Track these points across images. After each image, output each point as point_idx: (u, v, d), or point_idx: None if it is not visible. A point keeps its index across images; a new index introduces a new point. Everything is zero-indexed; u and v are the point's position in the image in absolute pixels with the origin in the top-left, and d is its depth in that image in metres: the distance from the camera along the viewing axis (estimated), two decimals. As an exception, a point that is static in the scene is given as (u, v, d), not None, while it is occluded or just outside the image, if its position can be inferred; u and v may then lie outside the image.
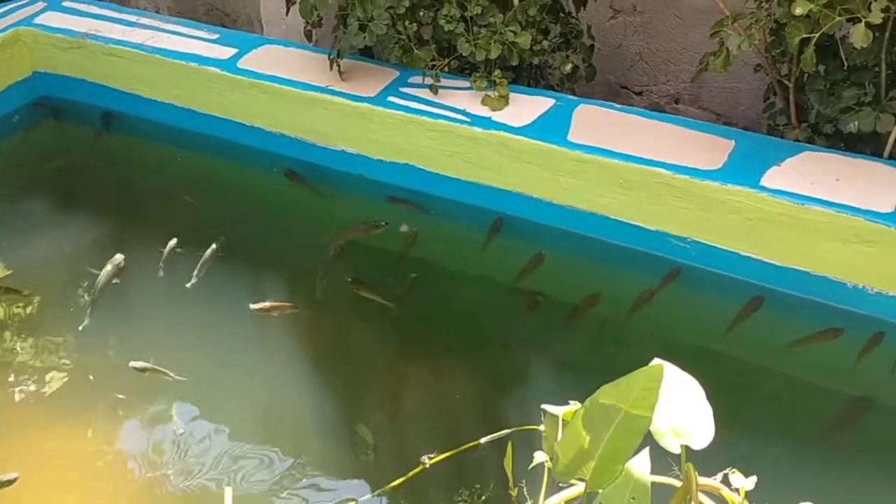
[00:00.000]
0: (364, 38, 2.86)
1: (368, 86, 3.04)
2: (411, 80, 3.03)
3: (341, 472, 2.20)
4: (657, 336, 2.55)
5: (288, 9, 3.05)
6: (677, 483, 1.61)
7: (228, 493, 2.12)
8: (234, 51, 3.34)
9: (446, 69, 3.01)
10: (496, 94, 2.87)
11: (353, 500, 2.08)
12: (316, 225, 3.04)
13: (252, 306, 2.63)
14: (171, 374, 2.44)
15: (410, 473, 2.12)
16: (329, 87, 3.06)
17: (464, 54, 2.87)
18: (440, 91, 2.95)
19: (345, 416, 2.42)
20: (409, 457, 2.18)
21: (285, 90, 3.11)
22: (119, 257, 2.80)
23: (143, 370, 2.46)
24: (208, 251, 2.82)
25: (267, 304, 2.64)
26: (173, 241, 2.86)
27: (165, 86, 3.40)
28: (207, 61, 3.29)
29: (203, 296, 2.73)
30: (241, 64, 3.25)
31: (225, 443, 2.29)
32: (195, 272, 2.77)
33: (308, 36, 3.17)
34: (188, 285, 2.74)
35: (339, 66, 3.05)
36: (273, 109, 3.19)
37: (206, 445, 2.29)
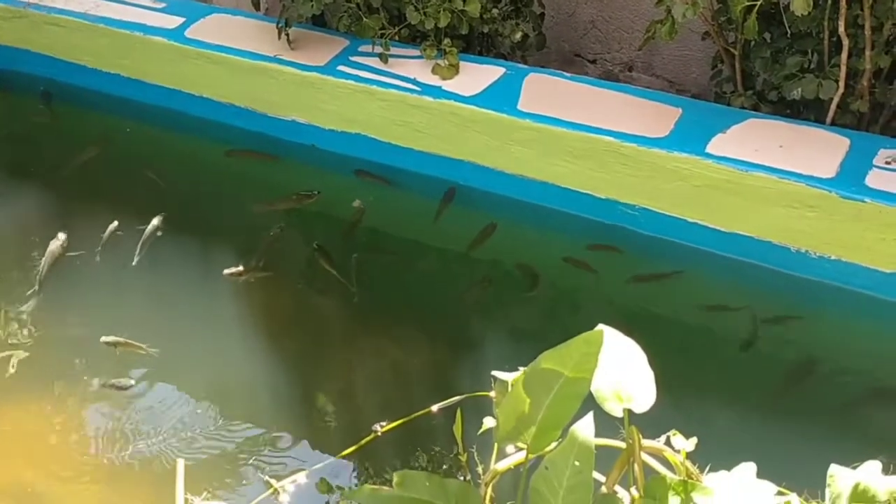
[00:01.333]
0: (312, 6, 2.82)
1: (318, 55, 3.01)
2: (361, 48, 3.00)
3: (294, 442, 2.21)
4: (608, 303, 2.58)
5: (235, -23, 3.01)
6: (622, 445, 1.64)
7: (181, 464, 2.13)
8: (181, 20, 3.28)
9: (396, 38, 2.98)
10: (446, 62, 2.86)
11: (302, 469, 2.09)
12: (264, 196, 3.00)
13: (225, 271, 2.63)
14: (144, 348, 2.43)
15: (362, 441, 2.14)
16: (278, 57, 3.03)
17: (413, 23, 2.85)
18: (391, 60, 2.93)
19: (299, 386, 2.43)
20: (362, 425, 2.20)
21: (233, 59, 3.07)
22: (62, 236, 2.75)
23: (114, 344, 2.44)
24: (149, 227, 2.79)
25: (236, 269, 2.64)
26: (114, 224, 2.81)
27: (111, 56, 3.33)
28: (154, 31, 3.23)
29: (149, 270, 2.71)
30: (188, 33, 3.20)
31: (178, 414, 2.29)
32: (137, 250, 2.74)
33: (256, 4, 3.13)
34: (133, 262, 2.71)
35: (287, 34, 3.02)
36: (221, 79, 3.15)
37: (161, 417, 2.28)
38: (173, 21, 3.27)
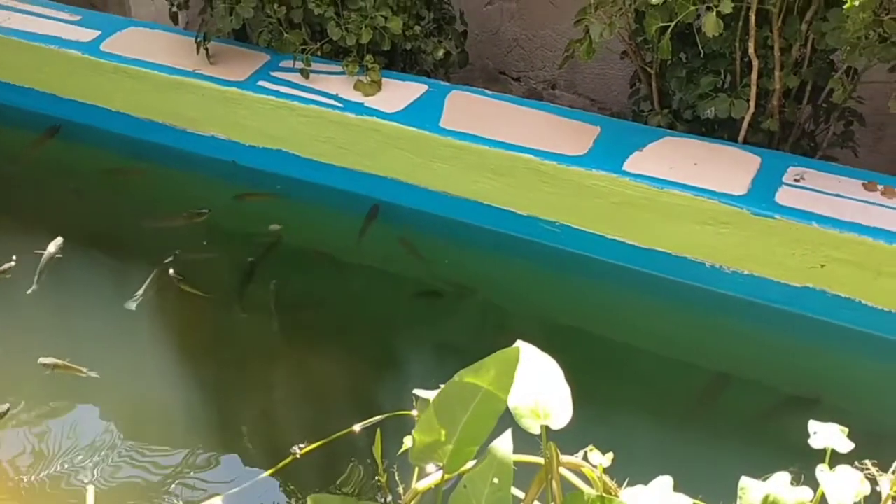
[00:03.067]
0: (231, 20, 2.79)
1: (238, 70, 2.97)
2: (282, 64, 2.97)
3: (211, 465, 2.15)
4: (535, 319, 2.60)
5: (152, -10, 2.96)
6: (541, 461, 1.65)
7: (90, 491, 2.06)
8: (96, 33, 3.20)
9: (319, 53, 2.96)
10: (368, 79, 2.85)
11: (218, 493, 2.04)
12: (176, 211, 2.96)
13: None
14: (84, 370, 2.36)
15: (280, 464, 2.10)
16: (197, 72, 2.98)
17: (334, 38, 2.83)
18: (312, 76, 2.91)
19: (217, 410, 2.37)
20: (283, 447, 2.16)
21: (151, 74, 3.01)
22: None
23: (51, 367, 2.36)
24: (46, 252, 2.70)
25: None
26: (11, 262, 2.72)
27: (24, 70, 3.24)
28: (68, 44, 3.15)
29: (52, 293, 2.63)
30: (104, 47, 3.13)
31: (90, 438, 2.22)
32: (36, 276, 2.65)
33: (174, 18, 3.07)
34: (29, 291, 2.62)
35: (206, 49, 2.97)
36: (139, 94, 3.08)
37: (72, 441, 2.21)
38: (89, 34, 3.20)
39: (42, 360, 2.38)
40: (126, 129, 3.18)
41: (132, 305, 2.57)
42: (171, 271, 2.66)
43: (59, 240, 2.73)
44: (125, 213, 3.01)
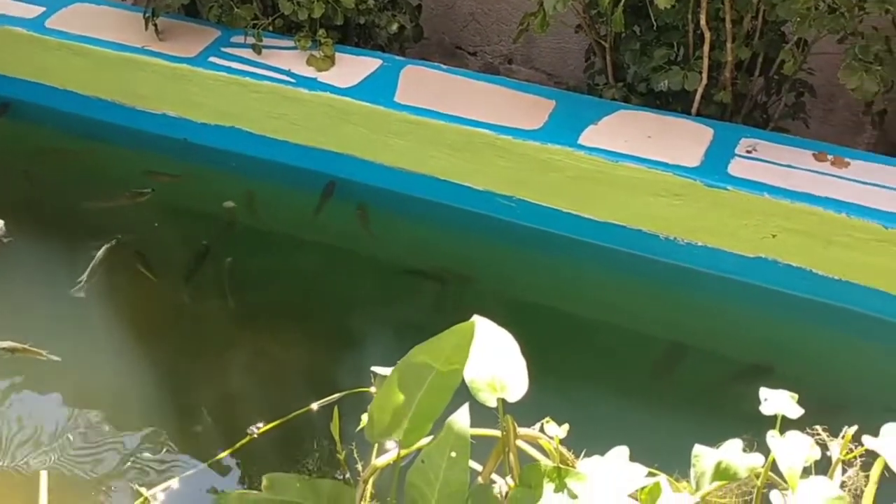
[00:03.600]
0: (179, -5, 2.74)
1: (188, 46, 2.91)
2: (234, 39, 2.92)
3: (168, 448, 2.13)
4: (493, 294, 2.60)
5: (97, -36, 2.88)
6: (499, 434, 1.65)
7: (44, 476, 2.03)
8: (41, 9, 3.12)
9: (270, 28, 2.92)
10: (321, 53, 2.82)
11: (174, 476, 2.02)
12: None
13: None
14: (44, 354, 2.32)
15: (237, 445, 2.08)
16: (145, 48, 2.91)
17: (286, 13, 2.79)
18: (264, 51, 2.86)
19: (173, 392, 2.34)
20: (241, 428, 2.15)
21: (98, 51, 2.94)
22: None
23: (10, 350, 2.31)
24: None
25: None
26: None
27: (-35, 47, 3.15)
28: (10, 20, 3.06)
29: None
30: (48, 23, 3.05)
31: (43, 422, 2.19)
32: None
33: (121, -7, 3.01)
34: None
35: (155, 25, 2.91)
36: (86, 72, 3.01)
37: (24, 426, 2.18)
38: (33, 10, 3.11)
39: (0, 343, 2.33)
40: (74, 107, 3.11)
41: (79, 291, 2.52)
42: (137, 252, 2.61)
43: (1, 223, 2.67)
44: (73, 194, 2.94)
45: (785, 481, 1.49)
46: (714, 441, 1.59)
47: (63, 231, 2.78)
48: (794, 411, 1.55)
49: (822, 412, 1.75)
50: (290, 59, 2.85)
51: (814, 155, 2.42)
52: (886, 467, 1.56)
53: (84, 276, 2.54)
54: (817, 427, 1.69)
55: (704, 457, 1.54)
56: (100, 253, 2.61)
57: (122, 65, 2.94)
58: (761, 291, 2.45)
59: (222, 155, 2.95)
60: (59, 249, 2.73)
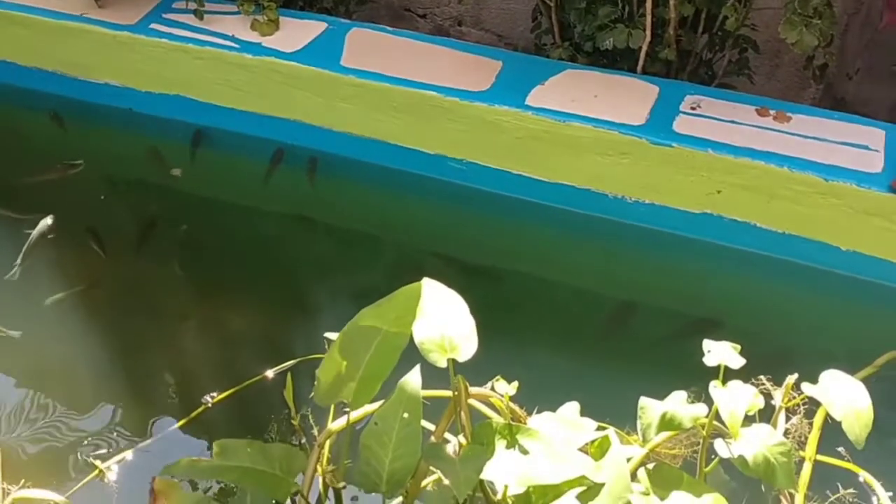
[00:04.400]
0: (117, -40, 2.67)
1: (128, 13, 2.85)
2: (175, 5, 2.87)
3: (122, 420, 2.12)
4: (446, 257, 2.60)
5: (30, -71, 2.80)
6: (450, 394, 1.67)
7: (-3, 453, 2.01)
8: (-24, -21, 3.04)
9: (213, -7, 2.87)
10: (265, 18, 2.77)
11: (129, 448, 2.01)
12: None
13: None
14: (4, 330, 2.29)
15: (193, 414, 2.08)
16: (84, 15, 2.85)
17: (227, -23, 2.75)
18: (207, 17, 2.81)
19: (126, 365, 2.32)
20: (196, 398, 2.14)
21: (36, 20, 2.87)
22: None
23: None
24: None
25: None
26: None
27: None
28: (-56, -10, 2.97)
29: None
30: (-17, -7, 2.97)
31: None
32: None
33: (57, -40, 2.92)
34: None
35: (94, -9, 2.85)
36: (26, 42, 2.95)
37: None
38: (-33, -20, 3.03)
39: None
40: (13, 78, 3.04)
41: (14, 275, 2.47)
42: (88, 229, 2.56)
43: None
44: (6, 169, 2.87)
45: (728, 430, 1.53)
46: (663, 395, 1.62)
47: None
48: (737, 362, 1.58)
49: (770, 363, 1.80)
50: (233, 23, 2.81)
51: (756, 110, 2.45)
52: (829, 414, 1.61)
53: (18, 260, 2.49)
54: (762, 377, 1.73)
55: (650, 409, 1.58)
56: (34, 234, 2.55)
57: (62, 33, 2.87)
58: (708, 246, 2.49)
59: (168, 124, 2.91)
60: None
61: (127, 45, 2.82)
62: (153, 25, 2.82)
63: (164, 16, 2.85)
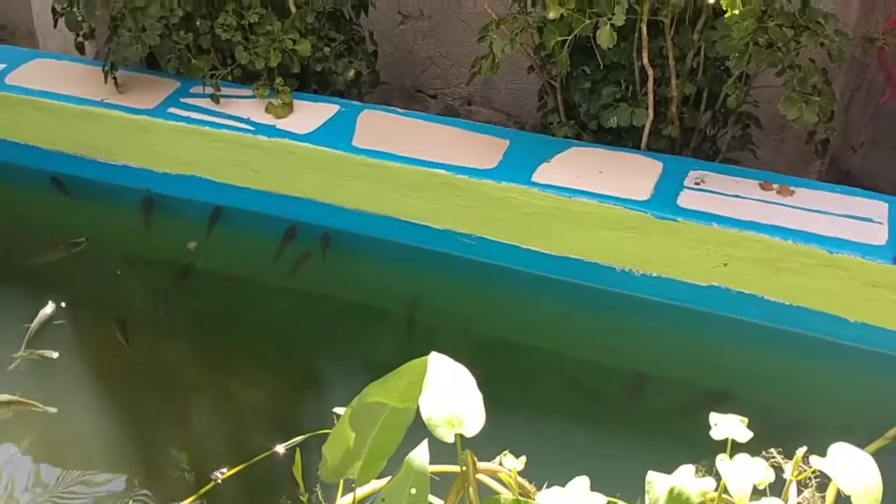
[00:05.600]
0: (137, 49, 2.78)
1: (148, 98, 2.96)
2: (193, 90, 2.97)
3: (132, 497, 2.12)
4: (456, 331, 2.63)
5: (55, 21, 2.92)
6: (458, 469, 1.68)
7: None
8: (1, 66, 3.15)
9: (230, 78, 2.97)
10: (279, 101, 2.87)
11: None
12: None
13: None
14: (40, 406, 2.30)
15: (201, 491, 2.08)
16: (105, 101, 2.95)
17: (242, 63, 2.85)
18: (223, 101, 2.91)
19: (139, 440, 2.32)
20: (206, 474, 2.15)
21: (58, 105, 2.98)
22: None
23: (7, 403, 2.30)
24: None
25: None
26: None
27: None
28: (-30, 78, 3.10)
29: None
30: (9, 80, 3.08)
31: (4, 476, 2.17)
32: None
33: (80, 48, 3.04)
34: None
35: (115, 78, 2.95)
36: (47, 126, 3.04)
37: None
38: (-6, 68, 3.15)
39: None
40: (35, 161, 3.13)
41: (18, 366, 2.46)
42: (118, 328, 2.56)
43: None
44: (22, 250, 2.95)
45: (737, 504, 1.52)
46: (675, 469, 1.62)
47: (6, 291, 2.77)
48: (744, 435, 1.58)
49: (782, 436, 1.79)
50: (248, 107, 2.90)
51: (760, 184, 2.49)
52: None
53: (21, 352, 2.48)
54: (772, 450, 1.72)
55: (657, 483, 1.57)
56: (34, 324, 2.56)
57: (83, 118, 2.97)
58: (716, 319, 2.50)
59: (184, 204, 2.98)
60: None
61: (146, 129, 2.91)
62: (172, 109, 2.91)
63: (182, 100, 2.95)
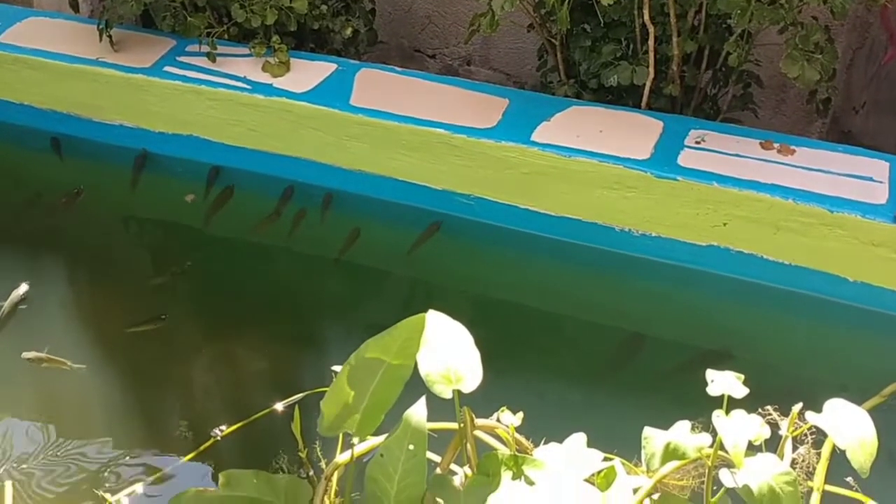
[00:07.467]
0: (132, 6, 2.74)
1: (143, 56, 2.92)
2: (189, 48, 2.93)
3: (132, 454, 2.13)
4: (455, 291, 2.62)
5: (50, -23, 2.89)
6: (456, 426, 1.68)
7: (8, 486, 2.03)
8: (-6, 25, 3.13)
9: (226, 36, 2.94)
10: (276, 60, 2.84)
11: (139, 480, 2.03)
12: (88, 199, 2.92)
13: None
14: (69, 364, 2.31)
15: (201, 447, 2.10)
16: (100, 59, 2.92)
17: (238, 21, 2.81)
18: (219, 59, 2.87)
19: (137, 398, 2.33)
20: (206, 431, 2.15)
21: (52, 64, 2.94)
22: None
23: (37, 360, 2.31)
24: None
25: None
26: None
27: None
28: (-37, 37, 3.06)
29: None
30: (2, 38, 3.04)
31: (5, 433, 2.18)
32: None
33: (74, 6, 3.00)
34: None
35: (109, 36, 2.91)
36: (41, 85, 3.01)
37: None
38: (-15, 26, 3.12)
39: (25, 354, 2.33)
40: (30, 120, 3.10)
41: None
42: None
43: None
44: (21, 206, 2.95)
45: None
46: (670, 424, 1.62)
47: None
48: (740, 391, 1.58)
49: (779, 394, 1.80)
50: (245, 65, 2.87)
51: (760, 144, 2.48)
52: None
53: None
54: (768, 407, 1.73)
55: (654, 438, 1.58)
56: (6, 304, 2.52)
57: (77, 77, 2.94)
58: (715, 278, 2.50)
59: (181, 163, 2.96)
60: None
61: (142, 88, 2.88)
62: (167, 68, 2.88)
63: (177, 59, 2.91)
